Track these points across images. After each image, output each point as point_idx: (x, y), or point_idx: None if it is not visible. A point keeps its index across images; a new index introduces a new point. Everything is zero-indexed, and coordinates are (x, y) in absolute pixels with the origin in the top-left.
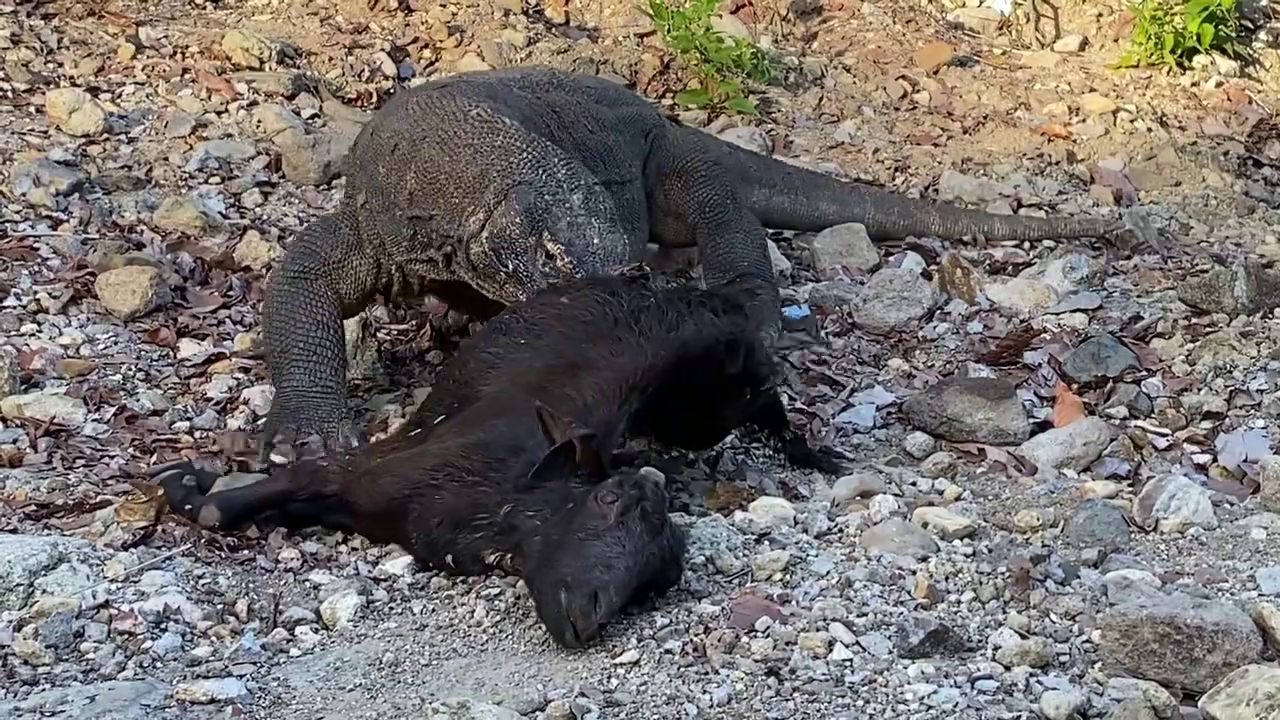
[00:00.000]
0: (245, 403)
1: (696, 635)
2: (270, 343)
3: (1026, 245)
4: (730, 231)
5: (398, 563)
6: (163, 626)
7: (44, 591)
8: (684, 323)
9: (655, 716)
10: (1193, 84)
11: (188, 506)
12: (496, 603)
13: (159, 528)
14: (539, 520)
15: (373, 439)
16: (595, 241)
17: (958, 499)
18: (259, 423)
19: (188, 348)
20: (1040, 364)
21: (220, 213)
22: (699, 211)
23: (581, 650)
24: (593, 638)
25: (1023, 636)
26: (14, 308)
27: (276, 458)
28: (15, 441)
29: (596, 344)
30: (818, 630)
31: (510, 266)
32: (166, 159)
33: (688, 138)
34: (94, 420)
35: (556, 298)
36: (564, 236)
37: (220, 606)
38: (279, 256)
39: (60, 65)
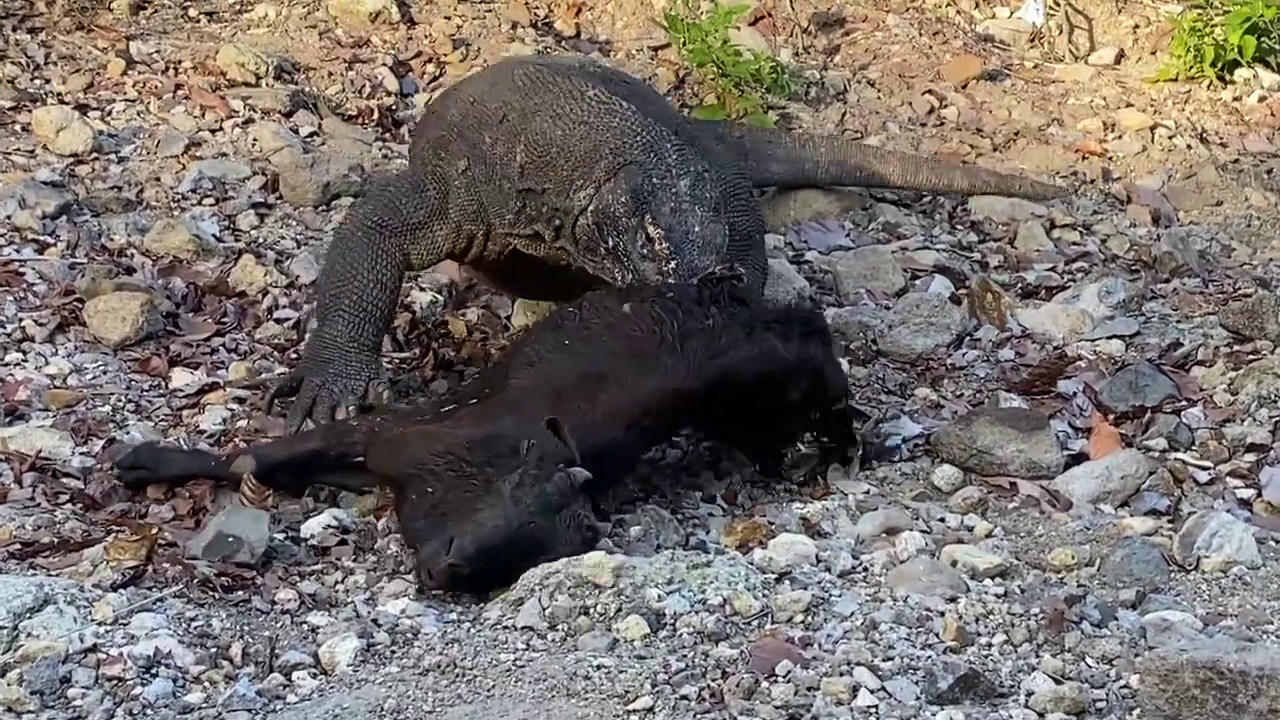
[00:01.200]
0: (240, 436)
1: (714, 680)
2: (324, 284)
3: (1061, 268)
4: (747, 265)
5: (399, 604)
6: (153, 671)
7: (29, 635)
8: (736, 348)
9: None
10: (1234, 98)
11: (211, 461)
12: (500, 650)
13: (150, 567)
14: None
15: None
16: (696, 230)
17: (988, 536)
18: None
19: (180, 378)
20: (1075, 393)
21: (214, 236)
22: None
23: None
24: (446, 587)
25: (1057, 681)
26: None
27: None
28: None
29: (633, 361)
30: (841, 675)
31: (610, 243)
32: (158, 179)
33: (725, 152)
34: (82, 454)
35: (619, 305)
36: (665, 221)
37: (214, 650)
38: (357, 201)
39: (47, 81)
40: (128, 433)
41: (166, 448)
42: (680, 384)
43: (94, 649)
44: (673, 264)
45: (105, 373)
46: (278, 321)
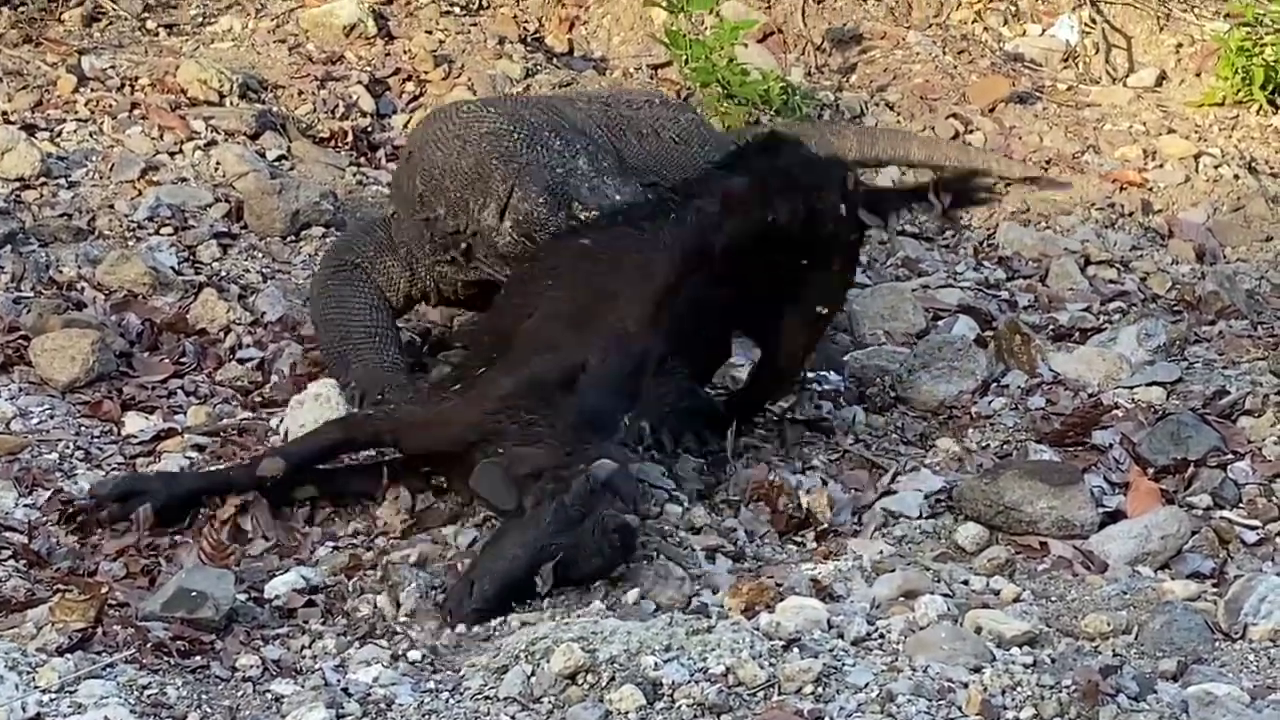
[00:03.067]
0: None
1: None
2: (328, 334)
3: (1096, 308)
4: None
5: (371, 671)
6: None
7: None
8: (705, 213)
9: None
10: None
11: (228, 470)
12: None
13: (99, 630)
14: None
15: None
16: (617, 197)
17: (1016, 600)
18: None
19: (134, 423)
20: (1111, 445)
21: (173, 268)
22: None
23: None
24: (474, 623)
25: None
26: None
27: None
28: None
29: (623, 272)
30: None
31: None
32: (112, 206)
33: None
34: (26, 505)
35: (575, 239)
36: (590, 201)
37: None
38: (320, 258)
39: None
40: (76, 482)
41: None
42: (679, 267)
43: (38, 718)
44: None
45: (52, 417)
46: (241, 362)
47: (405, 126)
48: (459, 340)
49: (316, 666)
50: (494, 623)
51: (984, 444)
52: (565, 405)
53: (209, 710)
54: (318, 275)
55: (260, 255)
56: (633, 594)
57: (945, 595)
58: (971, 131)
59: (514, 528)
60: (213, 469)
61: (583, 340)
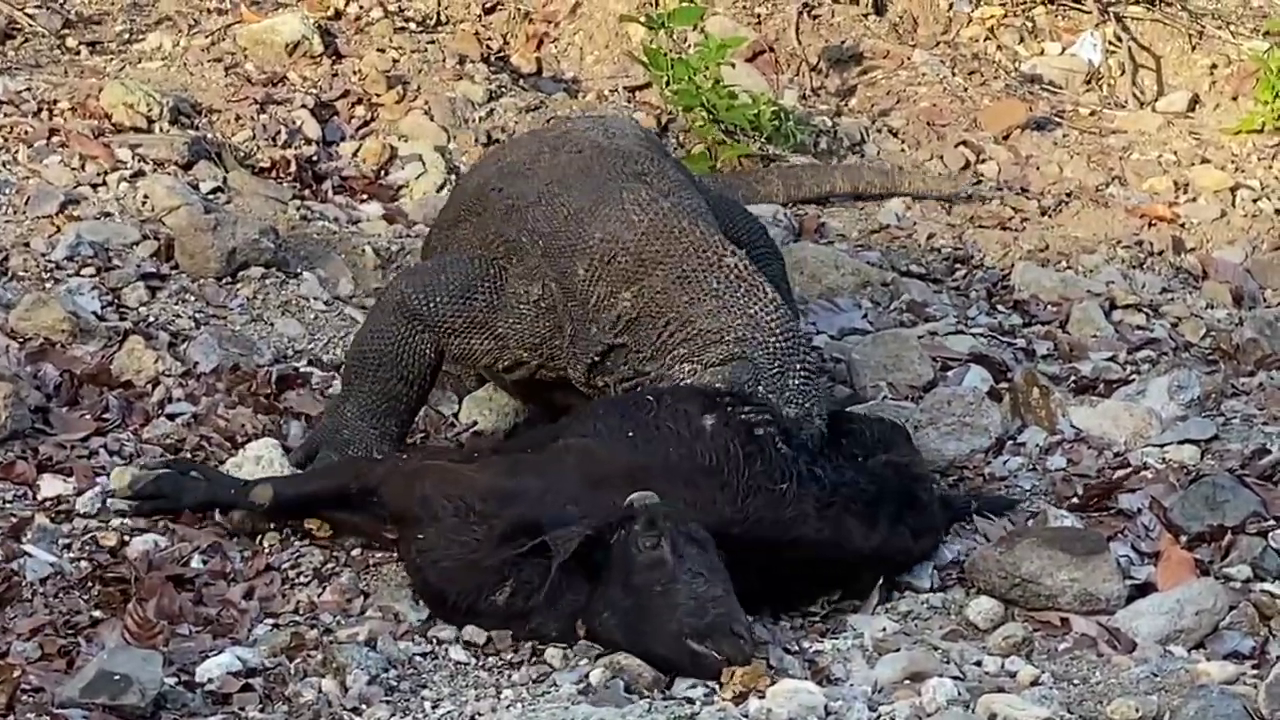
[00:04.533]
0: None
1: None
2: (352, 356)
3: (1123, 358)
4: None
5: None
6: None
7: None
8: (799, 524)
9: None
10: None
11: (230, 489)
12: None
13: (11, 718)
14: (562, 606)
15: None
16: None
17: (1034, 684)
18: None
19: (50, 485)
20: (1140, 510)
21: (95, 313)
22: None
23: None
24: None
25: None
26: None
27: None
28: None
29: (684, 483)
30: None
31: None
32: (27, 245)
33: (731, 198)
34: None
35: (700, 414)
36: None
37: None
38: (404, 270)
39: None
40: None
41: (189, 474)
42: (720, 528)
43: None
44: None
45: None
46: (170, 418)
47: (354, 155)
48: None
49: None
50: (451, 707)
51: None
52: (509, 517)
53: None
54: (387, 293)
55: (192, 299)
56: (604, 674)
57: (955, 678)
58: (984, 161)
59: (671, 584)
60: (225, 477)
61: (580, 497)
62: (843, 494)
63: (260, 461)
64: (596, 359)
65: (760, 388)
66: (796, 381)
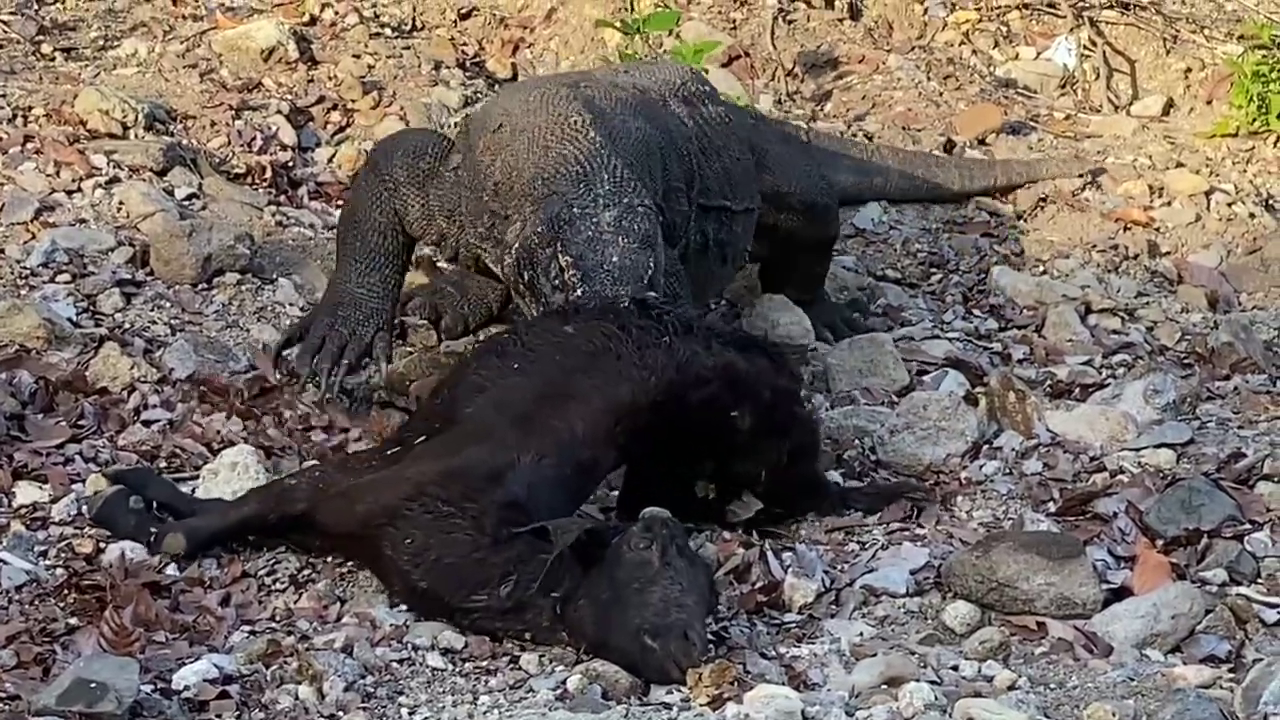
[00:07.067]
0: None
1: None
2: (339, 224)
3: (1098, 362)
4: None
5: None
6: None
7: None
8: (697, 360)
9: None
10: None
11: (148, 536)
12: None
13: None
14: (554, 594)
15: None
16: (614, 260)
17: (1011, 688)
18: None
19: (26, 493)
20: (1116, 514)
21: (70, 320)
22: (809, 250)
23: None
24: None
25: None
26: None
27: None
28: None
29: (593, 376)
30: None
31: (526, 277)
32: (1, 251)
33: (799, 159)
34: None
35: (561, 324)
36: (577, 250)
37: None
38: (376, 147)
39: None
40: None
41: (130, 501)
42: (649, 395)
43: None
44: (579, 292)
45: None
46: (146, 425)
47: (330, 160)
48: (415, 391)
49: None
50: (428, 713)
51: (975, 513)
52: (490, 498)
53: None
54: (367, 157)
55: (168, 305)
56: (581, 680)
57: (932, 682)
58: None
59: (649, 585)
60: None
61: (524, 437)
62: (713, 335)
63: (235, 468)
64: (485, 229)
65: (573, 208)
66: (608, 185)
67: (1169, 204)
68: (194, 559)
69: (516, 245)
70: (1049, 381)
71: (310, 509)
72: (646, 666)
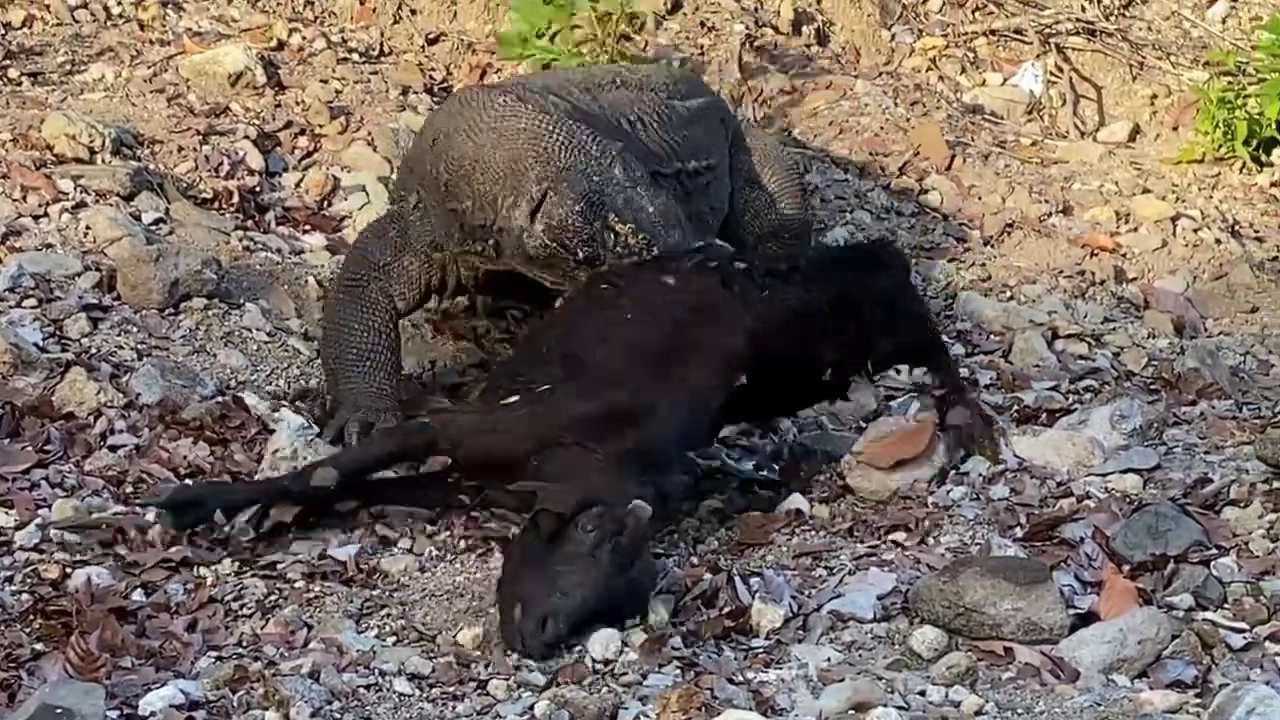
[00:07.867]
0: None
1: None
2: (326, 350)
3: (1065, 387)
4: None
5: None
6: None
7: None
8: (797, 303)
9: None
10: (1272, 183)
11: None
12: None
13: None
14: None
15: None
16: (649, 209)
17: (979, 713)
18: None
19: None
20: (1083, 539)
21: (36, 345)
22: (775, 233)
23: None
24: (545, 658)
25: None
26: None
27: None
28: None
29: (709, 323)
30: None
31: (581, 254)
32: None
33: (770, 143)
34: None
35: (657, 277)
36: (624, 214)
37: None
38: (339, 266)
39: None
40: None
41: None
42: (754, 340)
43: None
44: (655, 249)
45: None
46: (113, 450)
47: (297, 185)
48: (513, 346)
49: None
50: None
51: (941, 537)
52: (628, 442)
53: None
54: (332, 287)
55: (135, 330)
56: (548, 706)
57: (900, 708)
58: (927, 192)
59: (563, 563)
60: (267, 478)
61: (658, 384)
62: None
63: None
64: (458, 228)
65: (594, 177)
66: (594, 144)
67: (1135, 230)
68: (348, 494)
69: (544, 229)
70: (1015, 407)
71: (451, 447)
72: (504, 630)
